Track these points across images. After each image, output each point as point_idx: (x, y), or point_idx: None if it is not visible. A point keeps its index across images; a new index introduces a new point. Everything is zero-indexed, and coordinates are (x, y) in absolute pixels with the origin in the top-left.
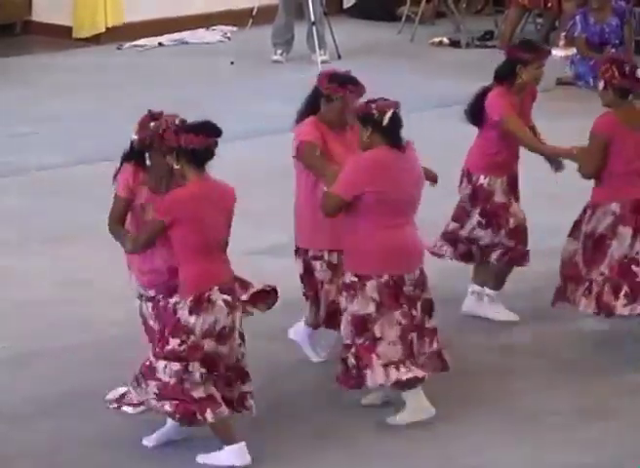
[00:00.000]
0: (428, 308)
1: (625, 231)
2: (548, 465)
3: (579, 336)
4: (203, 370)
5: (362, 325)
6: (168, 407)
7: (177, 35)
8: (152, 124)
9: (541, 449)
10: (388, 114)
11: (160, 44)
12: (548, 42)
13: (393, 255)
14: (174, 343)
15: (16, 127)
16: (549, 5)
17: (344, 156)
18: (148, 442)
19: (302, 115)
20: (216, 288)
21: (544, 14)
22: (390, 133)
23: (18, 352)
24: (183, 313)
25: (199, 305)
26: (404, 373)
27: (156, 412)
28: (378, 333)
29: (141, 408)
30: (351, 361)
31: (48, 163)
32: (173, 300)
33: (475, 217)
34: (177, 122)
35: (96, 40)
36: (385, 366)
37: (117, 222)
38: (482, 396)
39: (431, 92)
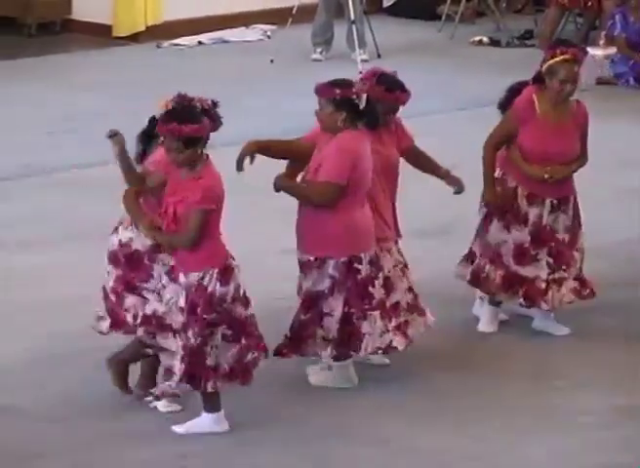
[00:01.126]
0: (389, 285)
1: None
2: (584, 465)
3: (613, 334)
4: (228, 332)
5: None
6: (179, 366)
7: (216, 34)
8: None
9: (576, 449)
10: (364, 97)
11: (200, 42)
12: (588, 41)
13: (358, 236)
14: (211, 318)
15: (54, 125)
16: (589, 4)
17: (380, 155)
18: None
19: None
20: (231, 259)
21: (584, 13)
22: (369, 115)
23: (51, 352)
24: (214, 285)
25: (227, 274)
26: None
27: (168, 382)
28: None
29: (172, 407)
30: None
31: (86, 161)
32: (195, 276)
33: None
34: (206, 105)
35: (135, 39)
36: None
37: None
38: (515, 395)
39: (471, 90)
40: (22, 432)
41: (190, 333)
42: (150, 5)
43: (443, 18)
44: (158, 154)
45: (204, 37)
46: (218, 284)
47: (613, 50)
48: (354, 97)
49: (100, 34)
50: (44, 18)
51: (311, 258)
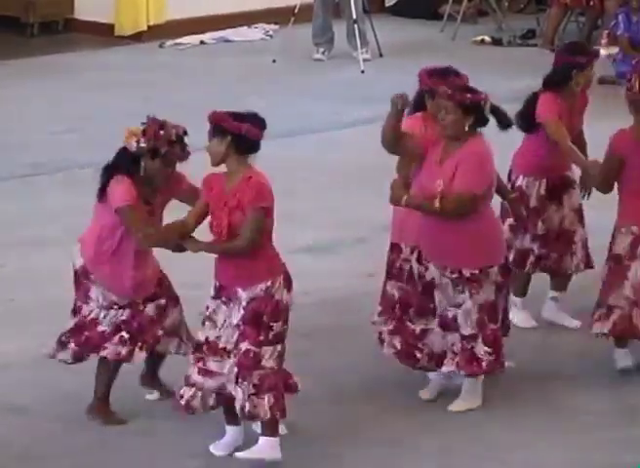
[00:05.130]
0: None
1: None
2: (585, 465)
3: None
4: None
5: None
6: (266, 401)
7: (219, 33)
8: (162, 132)
9: (578, 449)
10: (489, 104)
11: (202, 42)
12: (590, 41)
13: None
14: (277, 326)
15: (57, 124)
16: (591, 3)
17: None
18: (216, 450)
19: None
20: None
21: (586, 12)
22: (501, 117)
23: None
24: (281, 293)
25: (289, 282)
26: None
27: (244, 417)
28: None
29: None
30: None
31: (89, 160)
32: (261, 286)
33: (509, 220)
34: (180, 132)
35: (138, 38)
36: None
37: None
38: (516, 394)
39: None
40: (23, 432)
41: (268, 356)
42: (153, 4)
43: (445, 17)
44: (123, 188)
45: (206, 37)
46: (284, 291)
47: (615, 49)
48: (482, 102)
49: (102, 34)
50: (46, 17)
51: (475, 271)
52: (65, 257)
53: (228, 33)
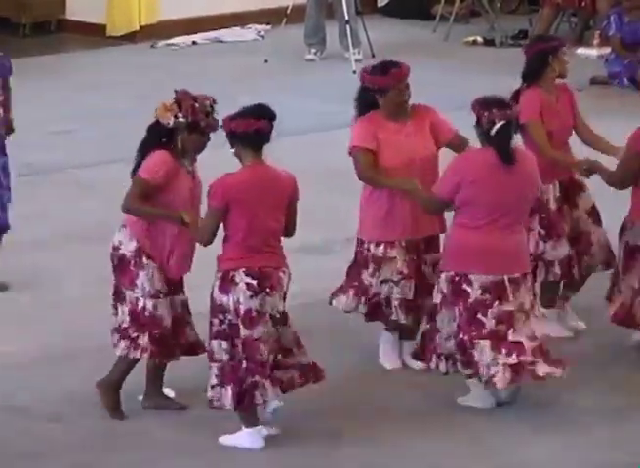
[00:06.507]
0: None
1: None
2: (583, 464)
3: (610, 333)
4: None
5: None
6: (229, 393)
7: (211, 34)
8: (197, 105)
9: (576, 449)
10: (497, 126)
11: (194, 42)
12: (582, 41)
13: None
14: (215, 322)
15: (50, 125)
16: (583, 4)
17: (406, 146)
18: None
19: (359, 116)
20: (242, 270)
21: (579, 13)
22: (496, 144)
23: (53, 352)
24: (215, 290)
25: (225, 283)
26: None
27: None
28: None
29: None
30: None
31: (82, 161)
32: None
33: (536, 229)
34: (209, 103)
35: (130, 38)
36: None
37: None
38: (523, 395)
39: (466, 90)
40: (22, 431)
41: (217, 349)
42: (145, 5)
43: (437, 17)
44: (156, 159)
45: (198, 37)
46: (217, 289)
47: (607, 50)
48: (484, 120)
49: (94, 34)
50: (38, 17)
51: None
52: (62, 257)
53: (221, 34)
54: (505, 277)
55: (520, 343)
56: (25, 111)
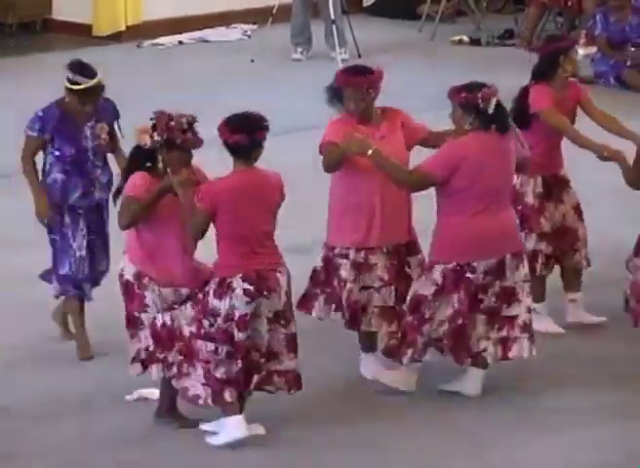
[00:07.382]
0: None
1: None
2: (573, 464)
3: (600, 333)
4: (230, 349)
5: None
6: (209, 391)
7: (197, 33)
8: (172, 123)
9: (566, 448)
10: (493, 101)
11: (180, 42)
12: None
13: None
14: (205, 324)
15: None
16: (569, 3)
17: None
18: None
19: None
20: (239, 276)
21: (564, 12)
22: (498, 119)
23: (38, 351)
24: (210, 294)
25: (221, 289)
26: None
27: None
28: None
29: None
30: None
31: None
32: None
33: None
34: (190, 119)
35: (116, 38)
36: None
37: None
38: (503, 394)
39: None
40: (7, 431)
41: (204, 350)
42: (131, 4)
43: (423, 17)
44: (137, 178)
45: (184, 37)
46: (212, 295)
47: (593, 49)
48: (480, 101)
49: (80, 34)
50: (24, 17)
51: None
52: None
53: (207, 33)
54: (507, 255)
55: (512, 318)
56: (10, 110)
